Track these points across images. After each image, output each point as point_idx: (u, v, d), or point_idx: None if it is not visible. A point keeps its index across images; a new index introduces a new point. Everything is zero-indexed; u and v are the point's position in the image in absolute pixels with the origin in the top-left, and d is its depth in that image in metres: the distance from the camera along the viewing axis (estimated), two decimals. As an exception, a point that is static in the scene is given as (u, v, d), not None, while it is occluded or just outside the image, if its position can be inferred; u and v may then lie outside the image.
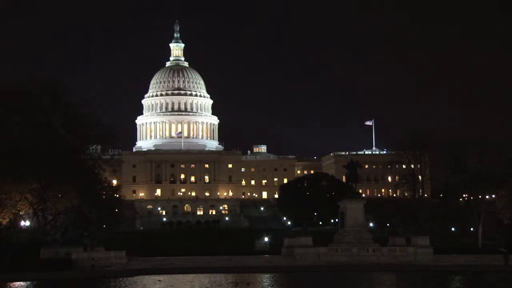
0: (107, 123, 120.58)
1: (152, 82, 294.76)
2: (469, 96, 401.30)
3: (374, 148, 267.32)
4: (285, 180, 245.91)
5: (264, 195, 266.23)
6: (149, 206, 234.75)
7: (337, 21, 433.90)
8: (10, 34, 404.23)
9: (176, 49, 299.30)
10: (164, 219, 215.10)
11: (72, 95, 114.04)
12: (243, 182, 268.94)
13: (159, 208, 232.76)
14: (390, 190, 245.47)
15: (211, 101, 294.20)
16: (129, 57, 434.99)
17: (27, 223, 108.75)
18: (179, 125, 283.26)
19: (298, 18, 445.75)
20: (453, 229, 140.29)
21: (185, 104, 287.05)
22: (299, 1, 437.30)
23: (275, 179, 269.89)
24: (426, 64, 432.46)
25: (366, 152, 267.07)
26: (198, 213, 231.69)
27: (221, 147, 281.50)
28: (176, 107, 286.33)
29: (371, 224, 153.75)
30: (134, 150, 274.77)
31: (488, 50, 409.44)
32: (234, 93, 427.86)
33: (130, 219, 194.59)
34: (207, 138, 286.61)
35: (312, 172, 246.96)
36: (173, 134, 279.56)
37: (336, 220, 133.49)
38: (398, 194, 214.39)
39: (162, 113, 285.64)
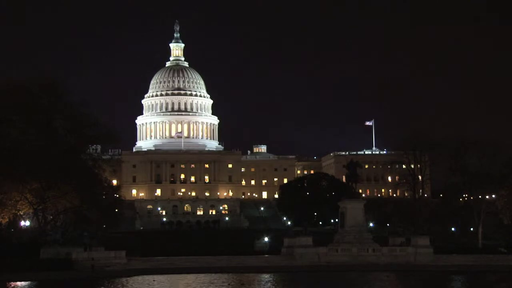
0: (107, 123, 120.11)
1: (152, 82, 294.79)
2: (470, 96, 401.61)
3: (374, 148, 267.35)
4: (285, 180, 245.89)
5: (264, 195, 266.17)
6: (149, 206, 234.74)
7: (337, 21, 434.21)
8: (10, 34, 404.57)
9: (176, 49, 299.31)
10: (164, 219, 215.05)
11: (72, 95, 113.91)
12: (243, 182, 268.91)
13: (159, 208, 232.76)
14: (390, 190, 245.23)
15: (211, 101, 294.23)
16: (129, 57, 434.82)
17: (27, 223, 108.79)
18: (179, 125, 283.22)
19: (298, 18, 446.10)
20: (453, 229, 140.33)
21: (185, 104, 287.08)
22: (299, 1, 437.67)
23: (275, 179, 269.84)
24: (426, 64, 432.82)
25: (366, 152, 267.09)
26: (198, 213, 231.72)
27: (221, 147, 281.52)
28: (176, 107, 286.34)
29: (371, 224, 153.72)
30: (134, 150, 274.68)
31: (488, 50, 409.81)
32: (234, 93, 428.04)
33: (130, 219, 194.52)
34: (207, 138, 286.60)
35: (312, 172, 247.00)
36: (173, 134, 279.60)
37: (336, 220, 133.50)
38: (398, 194, 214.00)
39: (162, 113, 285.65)
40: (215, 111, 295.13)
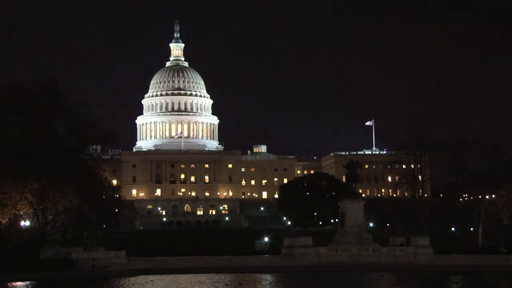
0: (107, 123, 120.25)
1: (152, 82, 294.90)
2: (469, 96, 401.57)
3: (374, 148, 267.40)
4: (285, 180, 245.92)
5: (264, 195, 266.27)
6: (149, 206, 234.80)
7: (337, 22, 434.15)
8: (10, 34, 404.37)
9: (176, 49, 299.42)
10: (164, 219, 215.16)
11: (72, 95, 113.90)
12: (243, 182, 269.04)
13: (159, 208, 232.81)
14: (390, 190, 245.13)
15: (211, 101, 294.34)
16: (129, 57, 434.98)
17: (27, 223, 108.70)
18: (179, 125, 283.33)
19: (298, 18, 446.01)
20: (453, 229, 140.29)
21: (185, 104, 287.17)
22: (299, 2, 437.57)
23: (275, 179, 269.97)
24: (426, 64, 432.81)
25: (366, 152, 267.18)
26: (198, 213, 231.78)
27: (221, 147, 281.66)
28: (176, 107, 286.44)
29: (371, 224, 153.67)
30: (134, 150, 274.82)
31: (487, 50, 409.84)
32: (234, 93, 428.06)
33: (130, 219, 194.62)
34: (207, 138, 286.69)
35: (312, 172, 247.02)
36: (173, 134, 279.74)
37: (336, 220, 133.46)
38: (398, 194, 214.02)
39: (162, 113, 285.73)
40: (215, 111, 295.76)
